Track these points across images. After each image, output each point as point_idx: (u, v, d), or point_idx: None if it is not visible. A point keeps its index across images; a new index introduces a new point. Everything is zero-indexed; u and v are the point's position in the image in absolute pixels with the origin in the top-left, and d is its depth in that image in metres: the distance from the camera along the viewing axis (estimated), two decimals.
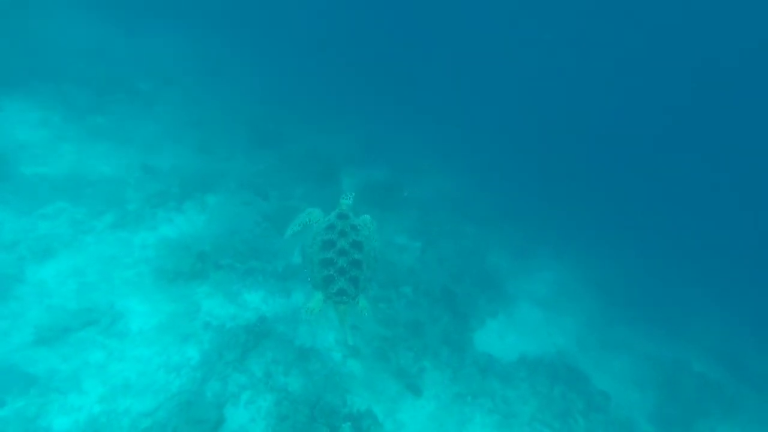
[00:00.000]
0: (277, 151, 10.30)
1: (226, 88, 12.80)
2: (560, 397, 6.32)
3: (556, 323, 8.65)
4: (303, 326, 6.38)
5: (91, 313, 5.19)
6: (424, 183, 12.09)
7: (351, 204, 4.57)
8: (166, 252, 6.46)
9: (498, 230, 11.20)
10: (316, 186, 9.41)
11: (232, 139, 9.99)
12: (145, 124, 8.97)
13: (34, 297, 5.19)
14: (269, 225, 7.69)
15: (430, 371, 6.37)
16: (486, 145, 15.59)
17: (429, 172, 12.94)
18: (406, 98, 16.96)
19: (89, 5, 13.73)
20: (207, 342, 5.52)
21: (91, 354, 4.90)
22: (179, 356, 5.24)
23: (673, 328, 9.26)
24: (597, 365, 7.65)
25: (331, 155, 10.97)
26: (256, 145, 10.15)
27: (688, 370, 7.89)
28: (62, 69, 9.39)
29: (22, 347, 4.72)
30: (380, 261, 4.16)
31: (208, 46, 15.55)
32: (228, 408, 4.90)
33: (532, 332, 8.22)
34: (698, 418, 6.83)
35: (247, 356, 5.51)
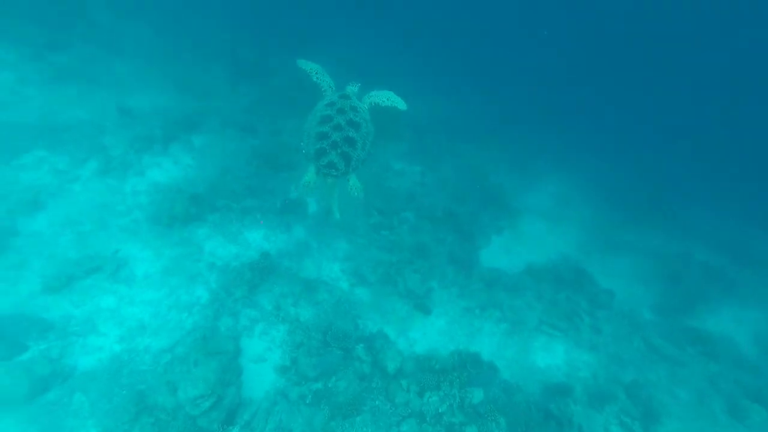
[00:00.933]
0: (262, 83, 9.59)
1: (198, 17, 11.59)
2: (565, 300, 6.48)
3: (560, 232, 8.64)
4: (307, 259, 6.37)
5: (93, 261, 5.14)
6: (418, 104, 11.39)
7: (356, 92, 4.56)
8: (158, 197, 6.25)
9: (497, 147, 10.80)
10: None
11: (211, 73, 9.25)
12: (112, 61, 8.24)
13: (33, 248, 5.11)
14: (261, 162, 7.36)
15: (437, 291, 6.47)
16: (477, 61, 14.51)
17: (422, 93, 12.17)
18: (392, 20, 15.47)
19: None
20: (214, 281, 5.54)
21: (101, 299, 4.94)
22: (188, 296, 5.28)
23: (676, 223, 9.30)
24: (601, 267, 7.72)
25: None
26: (239, 78, 9.43)
27: (691, 260, 8.02)
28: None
29: (33, 296, 4.74)
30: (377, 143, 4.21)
31: None
32: (243, 340, 5.03)
33: (538, 243, 8.23)
34: (699, 303, 7.05)
35: (255, 292, 5.55)
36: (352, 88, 4.62)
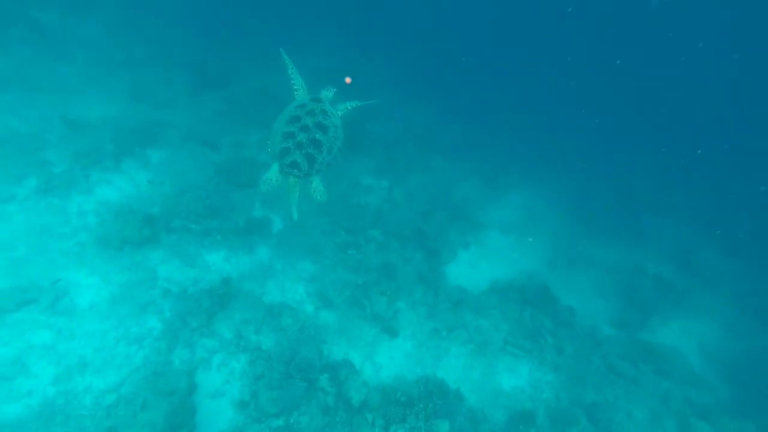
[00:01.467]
0: (224, 93, 9.16)
1: (156, 18, 10.94)
2: (530, 319, 6.54)
3: (525, 246, 8.77)
4: (271, 281, 6.09)
5: (26, 292, 4.63)
6: (389, 117, 11.32)
7: (330, 97, 4.62)
8: (108, 217, 5.76)
9: (465, 161, 10.88)
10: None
11: (170, 81, 8.72)
12: (56, 66, 7.56)
13: None
14: (222, 179, 7.00)
15: (405, 312, 6.35)
16: (448, 77, 14.66)
17: (393, 106, 12.11)
18: (366, 30, 15.34)
19: None
20: (168, 310, 5.15)
21: (34, 335, 4.44)
22: (139, 327, 4.87)
23: (632, 235, 9.70)
24: (564, 283, 7.89)
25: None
26: (200, 88, 8.95)
27: (644, 273, 8.36)
28: None
29: None
30: (344, 151, 4.30)
31: None
32: (199, 373, 4.69)
33: (503, 258, 8.32)
34: (651, 316, 7.35)
35: (213, 319, 5.22)
36: (327, 93, 4.65)
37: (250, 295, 5.74)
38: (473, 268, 7.85)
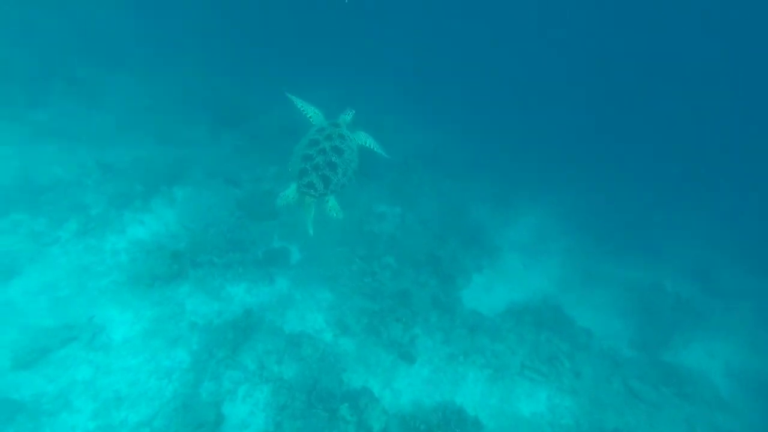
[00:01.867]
0: (243, 130, 9.68)
1: (180, 65, 11.72)
2: (546, 342, 6.54)
3: (539, 267, 8.80)
4: (291, 311, 6.32)
5: (70, 329, 4.99)
6: (400, 141, 11.65)
7: (348, 121, 4.98)
8: (139, 255, 6.16)
9: (476, 182, 11.05)
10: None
11: (193, 121, 9.29)
12: (92, 115, 8.21)
13: (5, 319, 4.93)
14: (243, 213, 7.37)
15: (421, 337, 6.47)
16: (457, 100, 14.96)
17: (404, 129, 12.45)
18: (375, 57, 15.92)
19: None
20: (195, 342, 5.42)
21: (77, 371, 4.77)
22: (169, 360, 5.15)
23: (649, 253, 9.57)
24: (580, 303, 7.87)
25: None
26: (220, 126, 9.49)
27: (662, 291, 8.22)
28: None
29: (2, 373, 4.55)
30: (359, 173, 4.61)
31: (153, 17, 14.04)
32: (226, 405, 4.91)
33: (518, 280, 8.36)
34: (674, 335, 7.21)
35: (238, 351, 5.46)
36: (345, 117, 5.00)
37: (271, 325, 5.98)
38: (488, 291, 7.91)
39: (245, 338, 5.65)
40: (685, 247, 9.94)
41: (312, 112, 5.10)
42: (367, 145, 5.06)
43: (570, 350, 6.63)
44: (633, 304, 7.90)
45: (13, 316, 5.00)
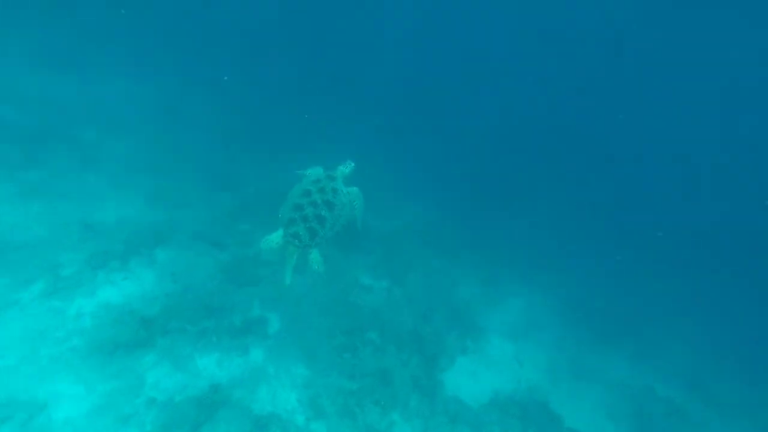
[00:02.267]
0: (235, 196, 9.81)
1: (182, 130, 12.24)
2: None
3: (527, 355, 8.45)
4: (263, 387, 5.84)
5: (5, 407, 4.45)
6: (387, 215, 11.87)
7: (347, 173, 5.10)
8: (106, 320, 5.79)
9: (466, 260, 11.05)
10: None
11: (186, 184, 9.42)
12: (85, 175, 8.29)
13: None
14: (224, 277, 7.16)
15: (399, 424, 5.95)
16: (449, 174, 15.56)
17: (394, 201, 12.75)
18: (364, 130, 16.77)
19: (33, 54, 13.04)
20: (150, 422, 4.88)
21: None
22: None
23: (640, 349, 9.28)
24: (569, 398, 7.46)
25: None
26: (213, 190, 9.63)
27: (654, 395, 7.86)
28: None
29: None
30: (349, 230, 4.81)
31: (162, 85, 15.01)
32: None
33: (503, 367, 7.98)
34: None
35: None
36: (344, 169, 5.15)
37: (239, 403, 5.47)
38: (472, 377, 7.50)
39: (208, 417, 5.11)
40: (678, 348, 9.69)
41: (310, 170, 5.32)
42: (354, 206, 5.18)
43: None
44: (624, 406, 7.51)
45: None
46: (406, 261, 9.91)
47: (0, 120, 8.93)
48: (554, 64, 21.99)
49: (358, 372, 6.41)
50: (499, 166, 17.26)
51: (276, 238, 4.57)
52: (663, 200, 17.59)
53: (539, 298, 10.41)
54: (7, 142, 8.21)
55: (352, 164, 5.29)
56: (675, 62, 19.87)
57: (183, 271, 7.00)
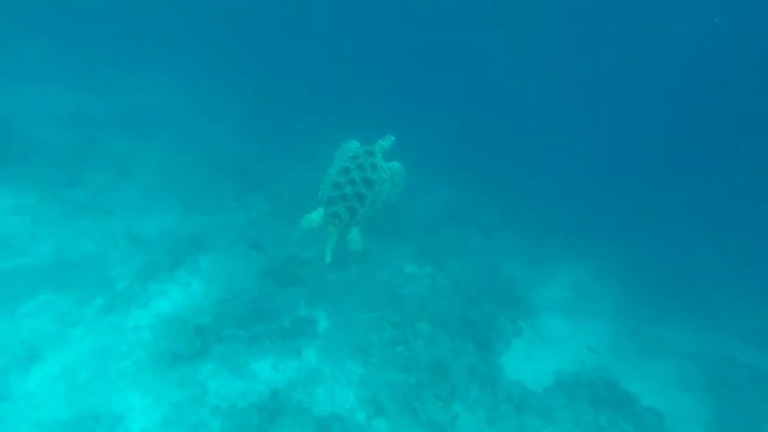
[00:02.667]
0: (267, 194, 9.78)
1: (210, 133, 12.31)
2: (609, 425, 5.72)
3: (585, 330, 8.07)
4: (320, 387, 5.82)
5: (85, 422, 4.64)
6: (424, 199, 11.53)
7: (386, 147, 4.82)
8: (162, 331, 5.92)
9: (506, 237, 10.63)
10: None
11: (220, 187, 9.47)
12: (124, 188, 8.46)
13: (19, 413, 4.64)
14: (268, 280, 7.14)
15: (463, 416, 5.79)
16: (484, 152, 14.89)
17: (429, 184, 12.36)
18: (399, 112, 16.26)
19: (55, 70, 13.38)
20: (218, 429, 4.96)
21: None
22: None
23: (709, 315, 8.64)
24: (639, 376, 7.03)
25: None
26: (245, 190, 9.63)
27: (736, 363, 7.27)
28: (34, 145, 8.93)
29: None
30: (391, 208, 4.36)
31: (187, 90, 15.12)
32: None
33: (562, 346, 7.64)
34: (762, 422, 6.18)
35: None
36: (383, 143, 4.88)
37: (298, 406, 5.47)
38: (530, 359, 7.21)
39: (271, 423, 5.15)
40: (749, 308, 8.92)
41: (353, 144, 5.10)
42: (395, 181, 4.89)
43: None
44: (702, 378, 6.98)
45: (28, 408, 4.71)
46: (446, 245, 9.60)
47: (42, 141, 9.18)
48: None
49: (413, 365, 6.27)
50: (533, 133, 16.40)
51: (316, 217, 4.44)
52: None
53: (586, 269, 9.88)
54: (51, 162, 8.47)
55: (392, 138, 4.97)
56: None
57: (226, 276, 7.05)
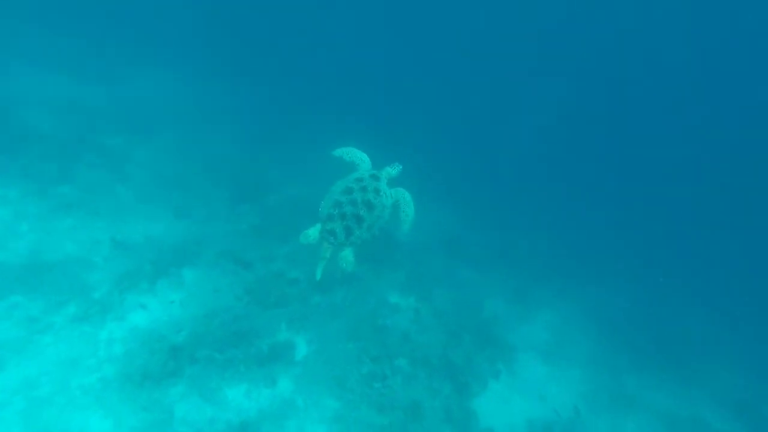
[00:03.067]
0: (260, 205, 9.59)
1: (208, 136, 12.07)
2: None
3: (561, 378, 8.00)
4: (291, 421, 5.62)
5: None
6: (414, 226, 11.42)
7: (393, 175, 4.90)
8: (136, 346, 5.66)
9: (494, 272, 10.55)
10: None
11: (211, 196, 9.24)
12: (115, 189, 8.20)
13: None
14: (251, 299, 6.94)
15: None
16: (478, 183, 14.85)
17: (418, 214, 12.27)
18: (391, 137, 16.25)
19: (59, 58, 13.07)
20: None
21: None
22: None
23: (684, 373, 8.64)
24: (610, 430, 6.99)
25: (317, 202, 10.31)
26: (238, 201, 9.42)
27: (706, 426, 7.27)
28: (26, 133, 8.63)
29: None
30: (386, 230, 4.62)
31: (190, 90, 14.89)
32: None
33: (536, 391, 7.56)
34: None
35: None
36: (391, 171, 4.95)
37: None
38: (505, 403, 7.11)
39: None
40: (725, 371, 8.98)
41: (359, 158, 5.10)
42: (403, 205, 4.93)
43: None
44: None
45: None
46: (432, 276, 9.48)
47: (35, 130, 8.88)
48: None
49: (388, 403, 6.12)
50: (529, 175, 16.44)
51: (314, 233, 4.48)
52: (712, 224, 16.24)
53: (570, 312, 9.85)
54: (42, 153, 8.18)
55: (400, 167, 5.06)
56: None
57: (209, 292, 6.83)
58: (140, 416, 4.98)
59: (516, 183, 15.22)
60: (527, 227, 12.79)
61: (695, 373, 8.73)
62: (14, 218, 6.66)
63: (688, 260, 13.25)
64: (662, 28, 19.62)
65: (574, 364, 8.35)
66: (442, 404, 6.48)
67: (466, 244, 11.16)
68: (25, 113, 9.31)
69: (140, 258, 6.91)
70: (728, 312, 10.91)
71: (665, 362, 8.85)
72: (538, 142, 17.97)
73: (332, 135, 15.28)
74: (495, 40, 22.85)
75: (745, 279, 12.73)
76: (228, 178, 10.13)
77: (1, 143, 7.99)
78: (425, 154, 14.83)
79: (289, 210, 9.78)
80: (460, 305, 8.86)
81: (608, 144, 19.12)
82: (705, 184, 18.05)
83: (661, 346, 9.28)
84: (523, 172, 16.08)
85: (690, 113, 20.22)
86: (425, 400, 6.38)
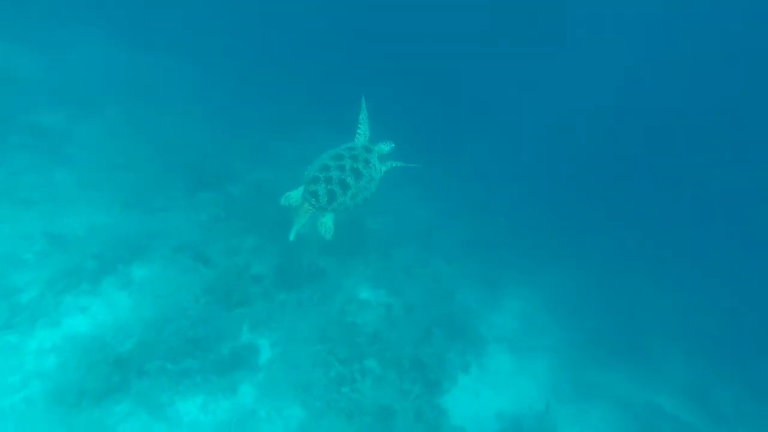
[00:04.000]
0: (222, 194, 8.69)
1: (164, 117, 10.76)
2: None
3: (528, 368, 7.95)
4: None
5: None
6: (388, 215, 10.90)
7: (385, 151, 4.71)
8: (73, 358, 4.87)
9: (466, 262, 10.29)
10: (268, 235, 7.94)
11: (167, 183, 8.22)
12: (52, 174, 7.05)
13: None
14: (211, 299, 6.23)
15: None
16: (453, 172, 14.40)
17: (392, 203, 11.74)
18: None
19: None
20: None
21: None
22: None
23: (642, 358, 8.85)
24: (574, 421, 7.00)
25: (281, 189, 9.49)
26: (197, 188, 8.46)
27: (660, 413, 7.45)
28: None
29: None
30: (369, 203, 4.31)
31: (143, 63, 13.24)
32: None
33: (505, 383, 7.47)
34: None
35: None
36: (383, 147, 4.73)
37: None
38: (476, 397, 6.95)
39: None
40: (679, 358, 9.23)
41: (363, 131, 4.75)
42: (394, 165, 4.81)
43: None
44: (630, 426, 7.06)
45: None
46: (404, 267, 9.06)
47: None
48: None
49: (358, 409, 5.71)
50: (501, 161, 16.21)
51: (296, 195, 4.10)
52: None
53: (537, 300, 9.81)
54: None
55: (392, 144, 4.81)
56: None
57: (163, 293, 6.03)
58: None
59: (487, 171, 14.99)
60: (497, 213, 12.60)
61: (652, 357, 8.97)
62: None
63: (644, 242, 13.64)
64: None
65: (540, 356, 8.30)
66: (413, 405, 6.16)
67: (437, 235, 10.80)
68: None
69: (81, 254, 5.97)
70: (681, 294, 11.35)
71: (624, 348, 9.00)
72: (502, 133, 17.79)
73: (303, 114, 14.29)
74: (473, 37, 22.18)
75: (701, 264, 13.25)
76: (185, 164, 9.00)
77: None
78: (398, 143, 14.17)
79: (254, 197, 8.94)
80: (431, 297, 8.52)
81: (563, 130, 19.23)
82: (654, 164, 18.71)
83: (621, 330, 9.44)
84: (493, 159, 15.86)
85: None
86: (395, 402, 6.04)
